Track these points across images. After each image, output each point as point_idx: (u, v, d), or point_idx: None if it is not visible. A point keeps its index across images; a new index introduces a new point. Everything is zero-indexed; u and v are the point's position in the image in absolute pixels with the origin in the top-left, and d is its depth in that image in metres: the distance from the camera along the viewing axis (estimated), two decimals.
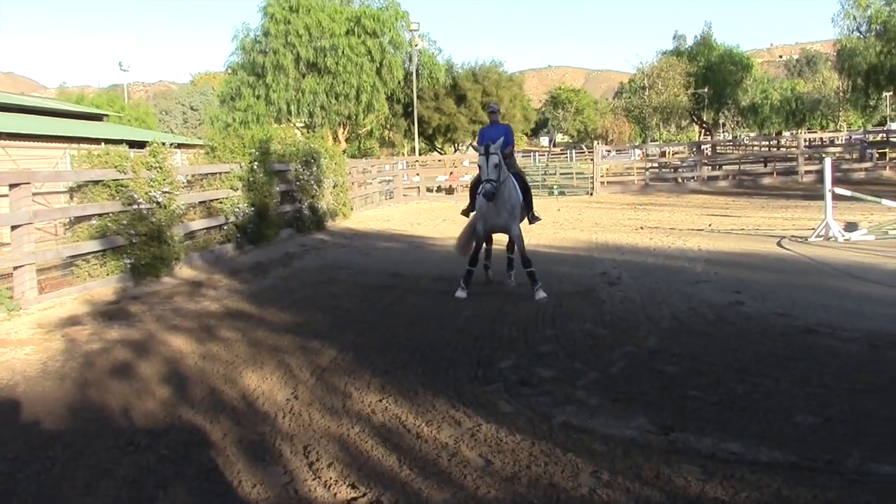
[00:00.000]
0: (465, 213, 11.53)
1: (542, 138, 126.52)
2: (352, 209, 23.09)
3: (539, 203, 27.61)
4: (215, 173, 14.63)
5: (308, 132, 41.80)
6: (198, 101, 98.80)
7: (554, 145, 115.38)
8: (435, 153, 59.75)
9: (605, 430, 5.19)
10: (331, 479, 4.58)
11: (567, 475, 4.52)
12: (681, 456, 4.71)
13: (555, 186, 33.76)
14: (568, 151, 79.22)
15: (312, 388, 6.34)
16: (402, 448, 5.00)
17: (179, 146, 31.41)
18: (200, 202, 13.99)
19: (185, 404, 6.01)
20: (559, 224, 19.80)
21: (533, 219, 11.10)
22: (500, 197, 10.23)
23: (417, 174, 33.97)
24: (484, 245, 11.21)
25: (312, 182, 18.69)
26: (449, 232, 18.57)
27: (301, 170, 18.27)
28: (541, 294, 9.90)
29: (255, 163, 15.45)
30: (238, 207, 14.71)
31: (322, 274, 12.58)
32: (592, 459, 4.71)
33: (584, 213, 23.09)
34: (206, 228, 14.07)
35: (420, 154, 50.84)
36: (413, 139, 51.38)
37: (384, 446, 5.04)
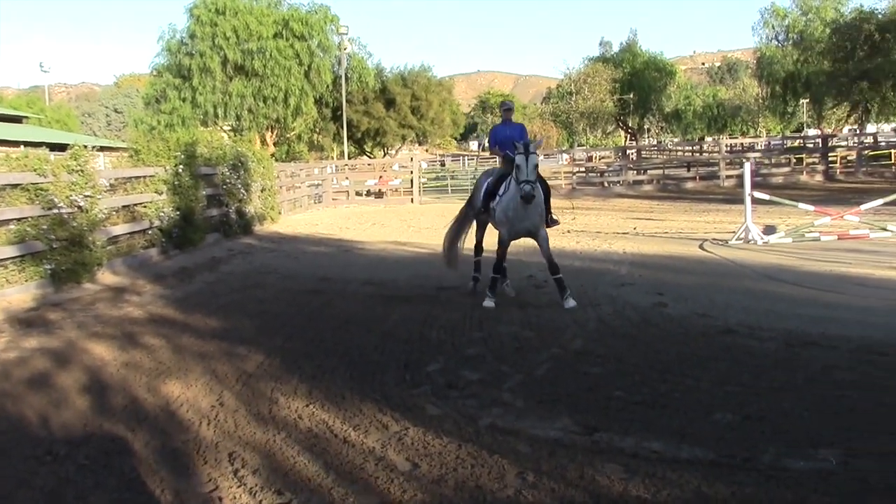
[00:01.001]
0: (475, 215, 10.80)
1: (471, 142, 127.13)
2: (280, 213, 22.87)
3: None
4: (139, 177, 14.34)
5: (235, 135, 41.23)
6: (122, 103, 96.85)
7: (483, 149, 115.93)
8: (364, 157, 59.52)
9: (531, 431, 5.25)
10: (256, 485, 4.54)
11: (493, 477, 4.56)
12: (604, 455, 4.79)
13: None
14: (497, 156, 79.67)
15: (238, 395, 6.26)
16: (328, 453, 4.98)
17: (102, 149, 30.78)
18: (124, 206, 13.69)
19: (106, 413, 5.88)
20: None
21: (552, 222, 10.35)
22: (531, 203, 9.50)
23: (347, 178, 33.81)
24: (475, 255, 10.90)
25: (240, 186, 18.45)
26: (378, 236, 18.57)
27: (228, 173, 18.02)
28: (571, 302, 9.40)
29: (181, 166, 15.18)
30: (163, 212, 14.44)
31: (249, 278, 12.44)
32: (518, 461, 4.75)
33: None
34: (130, 233, 13.77)
35: (349, 158, 50.59)
36: (342, 143, 51.10)
37: (310, 452, 5.01)
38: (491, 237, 10.70)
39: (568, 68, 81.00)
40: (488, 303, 9.62)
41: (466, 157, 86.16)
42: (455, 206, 28.59)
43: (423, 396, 6.10)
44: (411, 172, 32.24)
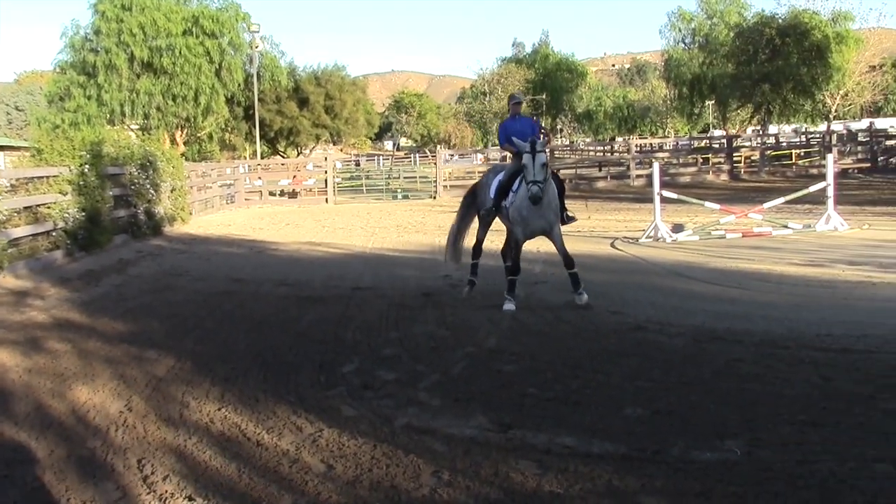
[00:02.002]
0: (487, 215, 10.32)
1: (386, 142, 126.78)
2: (191, 214, 22.45)
3: (382, 207, 27.72)
4: (43, 177, 13.90)
5: (144, 134, 40.24)
6: (23, 100, 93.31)
7: (398, 149, 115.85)
8: (278, 157, 58.81)
9: (447, 430, 5.26)
10: (167, 492, 4.45)
11: (408, 476, 4.56)
12: (518, 452, 4.83)
13: (398, 190, 33.95)
14: (412, 155, 79.83)
15: (148, 399, 6.12)
16: (241, 457, 4.91)
17: (3, 148, 29.69)
18: (26, 207, 13.26)
19: (9, 421, 5.67)
20: (403, 227, 19.96)
21: (568, 219, 10.06)
22: (544, 198, 9.29)
23: (260, 178, 33.36)
24: (473, 257, 10.55)
25: (148, 186, 18.04)
26: (292, 236, 18.40)
27: (136, 173, 17.61)
28: (584, 298, 9.28)
29: (87, 166, 14.77)
30: (68, 213, 14.02)
31: (159, 281, 12.17)
32: (433, 459, 4.76)
33: (428, 217, 23.31)
34: (33, 235, 13.33)
35: (262, 157, 49.92)
36: (255, 142, 50.39)
37: (223, 456, 4.93)
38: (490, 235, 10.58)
39: (481, 69, 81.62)
40: (509, 306, 9.26)
41: (381, 157, 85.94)
42: (370, 205, 28.68)
43: (339, 397, 6.06)
44: (325, 172, 32.04)
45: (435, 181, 32.83)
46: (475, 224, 10.82)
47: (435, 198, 31.45)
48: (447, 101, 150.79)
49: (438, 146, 44.86)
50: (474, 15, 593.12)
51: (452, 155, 55.11)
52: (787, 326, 8.02)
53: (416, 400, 5.95)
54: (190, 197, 23.00)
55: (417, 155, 79.17)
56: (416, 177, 40.15)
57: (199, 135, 49.65)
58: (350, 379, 6.58)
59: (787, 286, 10.31)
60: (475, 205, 10.79)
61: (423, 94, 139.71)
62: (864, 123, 51.40)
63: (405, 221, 21.77)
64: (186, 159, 34.61)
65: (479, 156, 53.18)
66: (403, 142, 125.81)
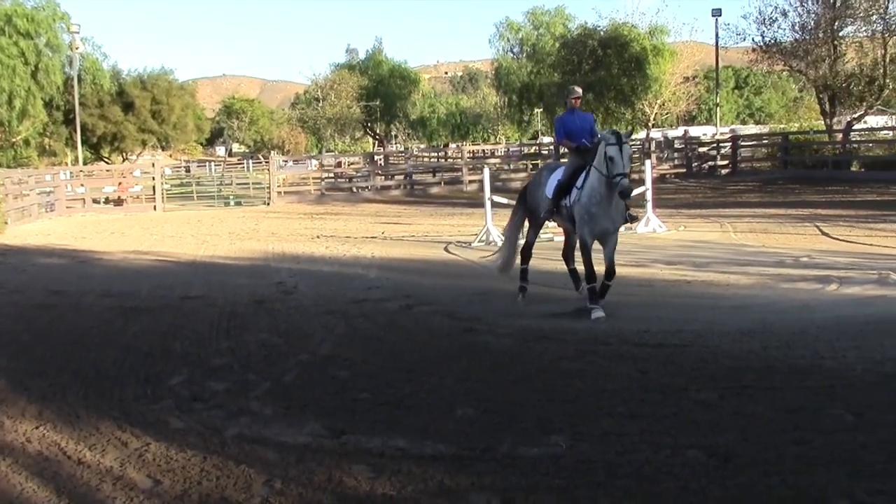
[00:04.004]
0: (548, 215, 9.94)
1: (217, 148, 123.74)
2: (6, 223, 21.17)
3: (214, 214, 27.04)
4: None
5: None
6: None
7: (230, 155, 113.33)
8: (102, 163, 56.33)
9: (279, 438, 5.21)
10: None
11: (239, 487, 4.49)
12: (352, 457, 4.84)
13: (231, 197, 33.22)
14: (245, 161, 78.31)
15: None
16: (61, 477, 4.68)
17: None
18: None
19: None
20: (235, 235, 19.53)
21: (632, 218, 9.60)
22: (613, 197, 8.87)
23: (82, 185, 31.84)
24: (522, 262, 10.27)
25: None
26: (118, 245, 17.66)
27: None
28: (598, 313, 8.80)
29: None
30: None
31: None
32: (266, 469, 4.71)
33: (261, 224, 22.93)
34: None
35: (85, 164, 47.65)
36: (76, 148, 48.05)
37: (41, 477, 4.69)
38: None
39: (314, 74, 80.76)
40: (598, 314, 8.77)
41: (213, 163, 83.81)
42: (201, 213, 27.92)
43: (166, 410, 5.88)
44: (153, 179, 30.91)
45: (269, 188, 32.33)
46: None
47: (269, 204, 30.96)
48: (280, 106, 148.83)
49: (272, 152, 44.11)
50: (307, 20, 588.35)
51: (286, 161, 54.50)
52: (608, 324, 8.42)
53: (248, 409, 5.86)
54: (5, 205, 21.69)
55: (251, 161, 77.75)
56: (249, 183, 39.34)
57: (14, 140, 46.84)
58: (178, 391, 6.40)
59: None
60: (526, 207, 10.51)
61: (255, 99, 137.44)
62: (679, 131, 54.40)
63: (238, 228, 21.32)
64: (1, 166, 32.56)
65: (314, 161, 52.82)
66: (236, 147, 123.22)
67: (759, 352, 7.02)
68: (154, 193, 30.30)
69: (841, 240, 13.96)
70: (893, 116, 40.58)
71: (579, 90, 10.49)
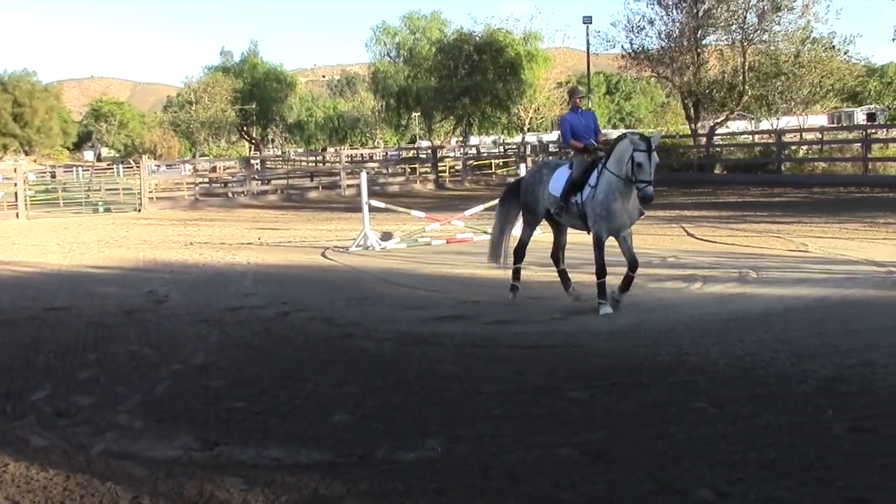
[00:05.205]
0: (558, 212, 9.67)
1: (86, 152, 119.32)
2: None
3: (82, 222, 26.02)
4: None
5: None
6: None
7: (99, 160, 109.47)
8: None
9: (148, 452, 5.05)
10: None
11: None
12: (225, 469, 4.75)
13: (100, 203, 32.06)
14: (115, 166, 75.78)
15: None
16: None
17: None
18: None
19: None
20: (104, 243, 18.85)
21: (640, 214, 9.47)
22: (631, 196, 8.88)
23: None
24: (515, 261, 10.20)
25: None
26: None
27: None
28: (606, 309, 8.95)
29: None
30: None
31: None
32: (133, 485, 4.55)
33: (132, 231, 22.20)
34: None
35: None
36: None
37: None
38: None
39: (188, 77, 79.10)
40: (606, 310, 8.89)
41: (81, 168, 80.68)
42: (68, 220, 26.83)
43: (28, 427, 5.62)
44: (15, 185, 29.49)
45: (140, 193, 31.36)
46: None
47: (140, 210, 30.03)
48: (152, 109, 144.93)
49: (143, 156, 42.78)
50: (180, 21, 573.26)
51: (159, 166, 53.05)
52: (484, 327, 8.53)
53: (116, 424, 5.66)
54: None
55: (121, 166, 75.29)
56: (119, 189, 38.05)
57: None
58: (41, 407, 6.13)
59: (487, 288, 10.90)
60: (517, 204, 10.41)
61: (125, 101, 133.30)
62: (554, 135, 55.69)
63: (107, 236, 20.57)
64: None
65: (188, 166, 51.58)
66: (106, 152, 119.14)
67: (629, 350, 7.26)
68: (16, 200, 28.90)
69: (705, 240, 14.55)
70: (753, 122, 42.77)
71: (583, 90, 10.60)
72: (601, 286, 9.07)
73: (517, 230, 10.71)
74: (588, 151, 9.47)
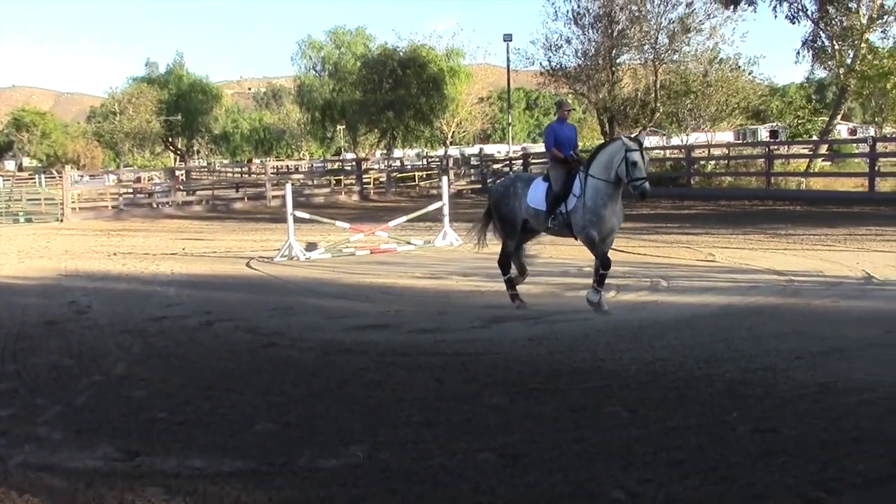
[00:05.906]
0: (555, 225, 9.91)
1: (7, 162, 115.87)
2: None
3: (2, 232, 25.39)
4: None
5: None
6: None
7: (20, 170, 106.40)
8: None
9: (68, 464, 5.03)
10: None
11: None
12: (146, 479, 4.75)
13: (20, 213, 31.28)
14: (37, 176, 73.83)
15: None
16: None
17: None
18: None
19: None
20: (25, 253, 18.45)
21: None
22: (618, 198, 9.41)
23: None
24: (503, 272, 10.40)
25: None
26: None
27: None
28: (599, 299, 9.45)
29: None
30: None
31: None
32: (51, 497, 4.53)
33: (54, 241, 21.74)
34: None
35: None
36: None
37: None
38: None
39: (112, 87, 77.71)
40: (604, 305, 9.47)
41: (1, 178, 78.33)
42: None
43: None
44: None
45: (62, 203, 30.71)
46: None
47: (62, 221, 29.42)
48: (76, 119, 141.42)
49: (66, 166, 41.80)
50: (104, 31, 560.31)
51: (82, 176, 51.96)
52: (407, 336, 8.66)
53: (35, 435, 5.61)
54: None
55: (43, 175, 73.39)
56: (40, 199, 37.10)
57: None
58: None
59: (409, 297, 11.06)
60: (498, 219, 10.73)
61: (48, 111, 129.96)
62: (475, 149, 56.33)
63: (28, 246, 20.11)
64: None
65: (112, 177, 50.61)
66: (27, 162, 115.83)
67: (546, 356, 7.47)
68: None
69: (619, 250, 14.81)
70: (664, 137, 44.07)
71: (569, 104, 11.19)
72: (603, 277, 9.52)
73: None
74: (567, 163, 9.83)
